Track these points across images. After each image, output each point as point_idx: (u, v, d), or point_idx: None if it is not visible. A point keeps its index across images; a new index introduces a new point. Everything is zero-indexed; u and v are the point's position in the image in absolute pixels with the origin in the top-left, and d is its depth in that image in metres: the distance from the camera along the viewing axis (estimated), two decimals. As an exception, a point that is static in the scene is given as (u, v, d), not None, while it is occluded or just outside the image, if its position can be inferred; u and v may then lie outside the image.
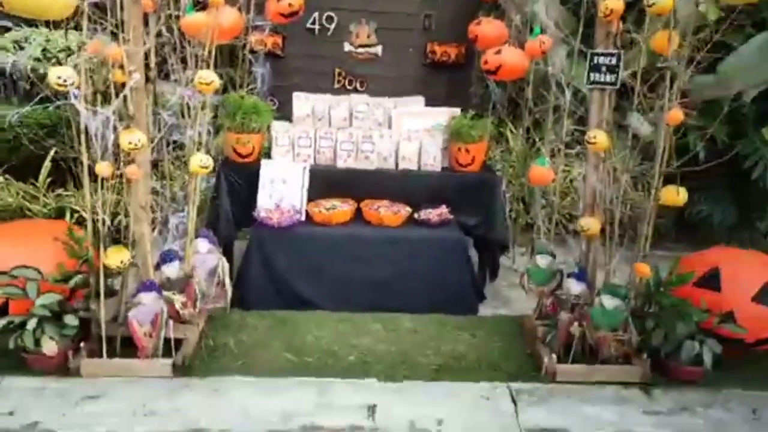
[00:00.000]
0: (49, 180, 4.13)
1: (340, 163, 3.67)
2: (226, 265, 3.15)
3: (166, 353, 2.71)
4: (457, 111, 3.86)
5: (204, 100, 2.86)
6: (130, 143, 2.40)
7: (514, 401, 2.68)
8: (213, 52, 2.76)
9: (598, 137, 2.73)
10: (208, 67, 2.70)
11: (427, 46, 4.25)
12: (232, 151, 3.58)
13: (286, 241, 3.39)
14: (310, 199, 3.55)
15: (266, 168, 3.53)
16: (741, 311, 2.82)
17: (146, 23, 2.80)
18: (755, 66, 3.92)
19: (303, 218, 3.50)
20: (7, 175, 4.14)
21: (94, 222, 2.54)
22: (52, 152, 4.11)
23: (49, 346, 2.55)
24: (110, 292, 2.74)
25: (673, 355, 2.81)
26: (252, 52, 4.17)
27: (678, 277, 2.83)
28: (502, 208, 3.80)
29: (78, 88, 2.23)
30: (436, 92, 4.15)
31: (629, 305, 2.87)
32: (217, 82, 2.67)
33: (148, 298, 2.58)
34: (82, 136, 2.38)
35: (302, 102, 3.87)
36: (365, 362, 2.94)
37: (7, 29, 4.35)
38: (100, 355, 2.67)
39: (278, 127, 3.68)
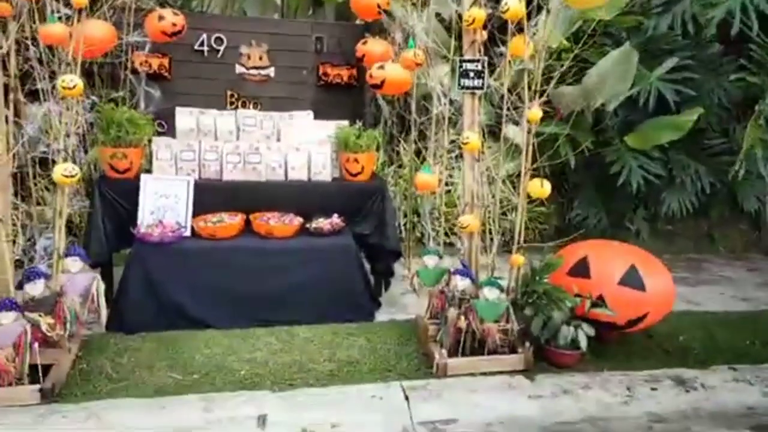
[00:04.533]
0: None
1: (227, 176, 3.59)
2: (101, 284, 2.96)
3: (35, 381, 2.49)
4: (344, 123, 3.93)
5: (72, 107, 2.71)
6: (-18, 151, 2.22)
7: (406, 398, 2.71)
8: (79, 62, 2.64)
9: (471, 138, 2.89)
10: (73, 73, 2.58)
11: (319, 68, 4.27)
12: (109, 167, 3.40)
13: (169, 257, 3.25)
14: (196, 214, 3.44)
15: (146, 183, 3.38)
16: (609, 295, 3.04)
17: (4, 30, 2.66)
18: (612, 79, 4.35)
19: (188, 233, 3.39)
20: None
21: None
22: None
23: None
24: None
25: (552, 341, 2.98)
26: (135, 72, 4.02)
27: (549, 264, 3.02)
28: (393, 216, 3.87)
29: None
30: (331, 113, 4.09)
31: (510, 296, 3.02)
32: (81, 87, 2.55)
33: (7, 318, 2.36)
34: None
35: (186, 117, 3.77)
36: (257, 375, 2.86)
37: None
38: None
39: (159, 141, 3.55)
